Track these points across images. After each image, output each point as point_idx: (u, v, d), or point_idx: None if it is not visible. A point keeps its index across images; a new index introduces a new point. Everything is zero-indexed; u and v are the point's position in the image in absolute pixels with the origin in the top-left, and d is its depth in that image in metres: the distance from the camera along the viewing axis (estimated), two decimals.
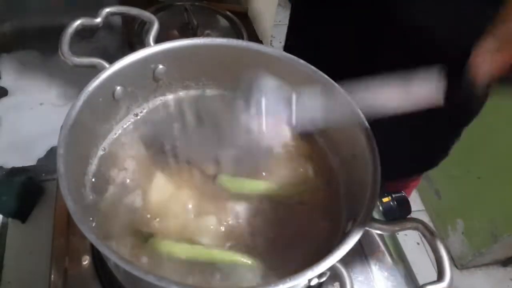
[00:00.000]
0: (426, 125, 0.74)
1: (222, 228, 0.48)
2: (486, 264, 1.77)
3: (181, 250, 0.46)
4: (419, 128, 0.73)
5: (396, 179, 0.86)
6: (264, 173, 0.54)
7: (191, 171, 0.53)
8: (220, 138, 0.56)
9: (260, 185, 0.53)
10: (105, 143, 0.54)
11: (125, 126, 0.57)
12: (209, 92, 0.62)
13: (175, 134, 0.57)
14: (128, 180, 0.51)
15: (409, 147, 0.78)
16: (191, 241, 0.47)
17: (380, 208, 0.70)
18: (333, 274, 0.39)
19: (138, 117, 0.58)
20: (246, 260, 0.45)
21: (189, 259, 0.46)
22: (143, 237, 0.47)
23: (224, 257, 0.45)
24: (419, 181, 0.99)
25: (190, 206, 0.50)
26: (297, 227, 0.50)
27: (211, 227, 0.48)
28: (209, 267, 0.45)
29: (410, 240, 1.77)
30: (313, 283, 0.40)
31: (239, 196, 0.51)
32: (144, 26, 0.96)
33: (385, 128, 0.58)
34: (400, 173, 0.85)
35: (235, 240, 0.48)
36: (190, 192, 0.51)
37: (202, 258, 0.46)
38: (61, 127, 0.44)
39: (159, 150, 0.55)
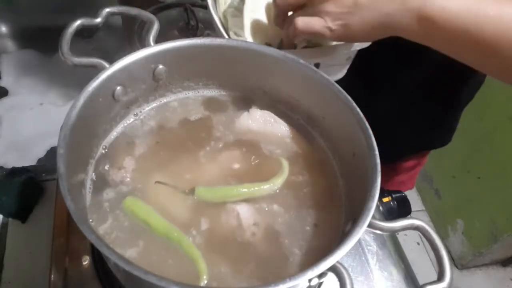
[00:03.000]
0: (430, 106, 0.86)
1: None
2: (486, 264, 1.77)
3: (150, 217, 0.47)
4: (425, 109, 0.85)
5: (416, 152, 0.99)
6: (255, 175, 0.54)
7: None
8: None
9: (241, 191, 0.51)
10: (105, 143, 0.54)
11: (125, 126, 0.57)
12: (209, 92, 0.62)
13: (174, 135, 0.57)
14: (127, 180, 0.51)
15: (427, 123, 0.89)
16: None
17: (380, 208, 0.71)
18: (333, 274, 0.39)
19: (138, 116, 0.58)
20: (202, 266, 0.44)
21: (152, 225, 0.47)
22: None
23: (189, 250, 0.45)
24: (426, 159, 1.07)
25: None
26: (296, 227, 0.50)
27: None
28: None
29: (410, 240, 1.77)
30: (313, 283, 0.40)
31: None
32: (144, 26, 0.96)
33: (406, 108, 0.78)
34: (419, 147, 0.97)
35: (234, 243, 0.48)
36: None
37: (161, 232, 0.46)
38: (61, 127, 0.44)
39: (159, 149, 0.55)
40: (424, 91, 0.83)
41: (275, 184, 0.52)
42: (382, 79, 0.79)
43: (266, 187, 0.52)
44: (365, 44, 0.63)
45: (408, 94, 0.82)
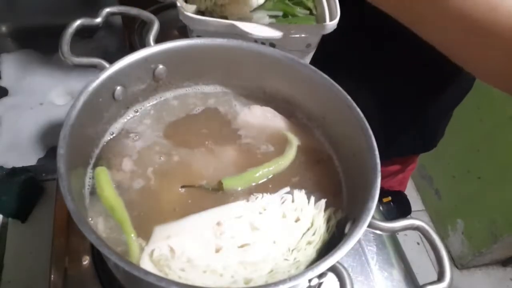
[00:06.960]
0: (421, 108, 0.84)
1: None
2: (486, 264, 1.77)
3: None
4: (415, 111, 0.83)
5: (398, 156, 0.94)
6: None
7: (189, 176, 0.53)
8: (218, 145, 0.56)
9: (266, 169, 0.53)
10: (105, 142, 0.54)
11: (125, 125, 0.57)
12: (209, 90, 0.62)
13: (174, 133, 0.57)
14: (128, 178, 0.51)
15: (407, 127, 0.87)
16: None
17: (380, 208, 0.71)
18: (333, 274, 0.39)
19: (138, 115, 0.58)
20: None
21: None
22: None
23: None
24: (415, 165, 1.04)
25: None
26: None
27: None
28: None
29: (410, 240, 1.77)
30: (313, 283, 0.40)
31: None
32: (144, 26, 0.95)
33: (386, 111, 0.74)
34: (401, 151, 0.93)
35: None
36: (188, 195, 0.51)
37: None
38: (61, 127, 0.44)
39: (159, 147, 0.55)
40: (405, 94, 0.81)
41: (290, 155, 0.55)
42: (361, 80, 0.77)
43: (284, 162, 0.54)
44: (328, 30, 0.61)
45: (388, 96, 0.81)
